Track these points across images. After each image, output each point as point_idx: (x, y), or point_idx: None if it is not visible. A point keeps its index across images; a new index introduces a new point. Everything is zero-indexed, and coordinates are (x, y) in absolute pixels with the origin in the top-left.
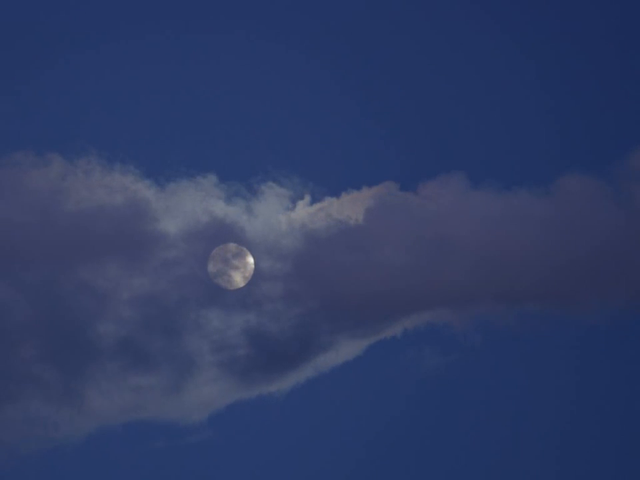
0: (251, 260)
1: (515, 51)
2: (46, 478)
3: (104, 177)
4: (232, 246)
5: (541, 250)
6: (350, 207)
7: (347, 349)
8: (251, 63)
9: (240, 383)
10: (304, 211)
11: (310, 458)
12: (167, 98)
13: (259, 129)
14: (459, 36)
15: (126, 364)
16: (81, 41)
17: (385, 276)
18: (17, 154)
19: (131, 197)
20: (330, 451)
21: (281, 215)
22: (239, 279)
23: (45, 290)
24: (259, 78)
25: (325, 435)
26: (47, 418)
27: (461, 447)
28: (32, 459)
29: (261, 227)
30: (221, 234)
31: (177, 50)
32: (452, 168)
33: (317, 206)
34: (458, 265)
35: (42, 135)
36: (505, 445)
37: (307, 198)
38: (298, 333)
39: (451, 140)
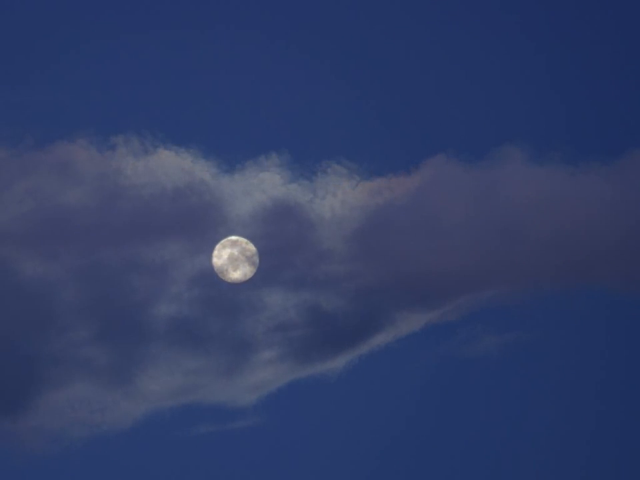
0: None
1: (582, 17)
2: (92, 464)
3: (168, 157)
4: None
5: (607, 227)
6: (409, 184)
7: (405, 327)
8: (313, 45)
9: (297, 362)
10: (365, 188)
11: (365, 439)
12: (233, 77)
13: (320, 108)
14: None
15: (180, 345)
16: (142, 23)
17: (445, 253)
18: (79, 135)
19: (195, 177)
20: (383, 432)
21: (343, 193)
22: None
23: (101, 271)
24: (320, 61)
25: (379, 416)
26: (96, 403)
27: (518, 425)
28: (78, 445)
29: (324, 206)
30: (284, 214)
31: (239, 27)
32: (512, 139)
33: (377, 183)
34: (519, 241)
35: (105, 116)
36: (570, 425)
37: (368, 175)
38: (357, 311)
39: (511, 109)
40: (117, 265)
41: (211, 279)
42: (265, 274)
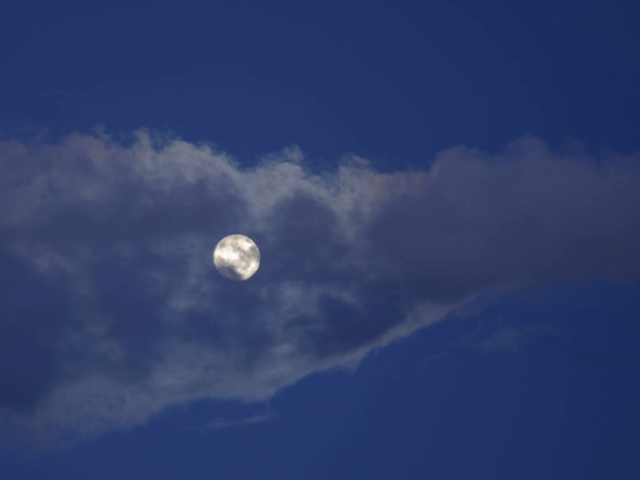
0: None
1: (603, 9)
2: (107, 459)
3: (185, 152)
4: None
5: (628, 219)
6: (427, 176)
7: (423, 320)
8: (328, 40)
9: (314, 356)
10: (382, 182)
11: (382, 433)
12: (250, 73)
13: (336, 103)
14: None
15: (197, 340)
16: (159, 18)
17: (463, 246)
18: (96, 130)
19: (212, 171)
20: (402, 425)
21: (360, 187)
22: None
23: (118, 265)
24: (336, 56)
25: (397, 410)
26: (111, 397)
27: (537, 418)
28: (94, 440)
29: (341, 200)
30: (301, 208)
31: (257, 23)
32: (531, 130)
33: (394, 176)
34: (538, 234)
35: (122, 111)
36: (588, 417)
37: (385, 169)
38: (375, 305)
39: (529, 100)
40: (133, 259)
41: (229, 273)
42: (283, 268)
